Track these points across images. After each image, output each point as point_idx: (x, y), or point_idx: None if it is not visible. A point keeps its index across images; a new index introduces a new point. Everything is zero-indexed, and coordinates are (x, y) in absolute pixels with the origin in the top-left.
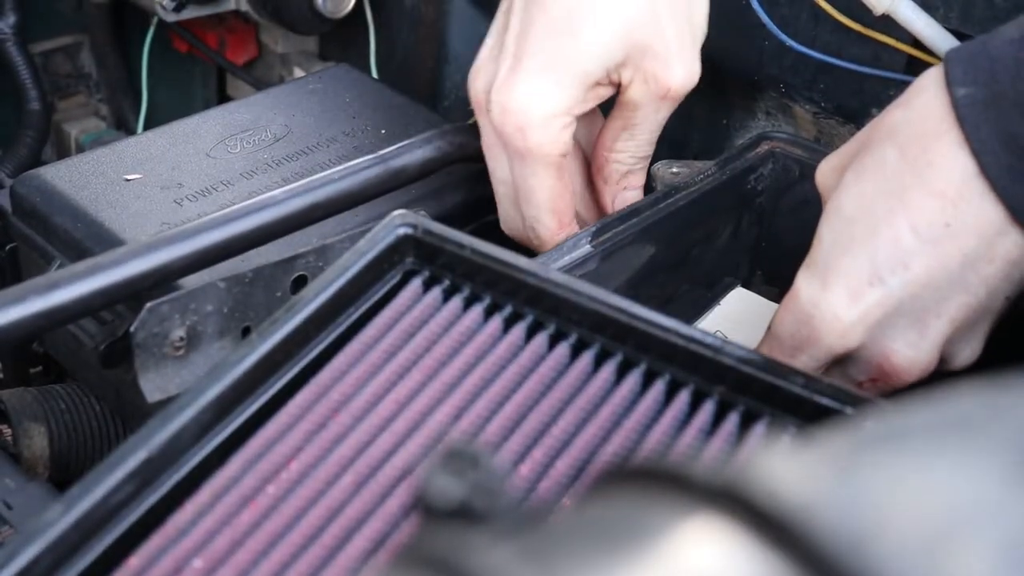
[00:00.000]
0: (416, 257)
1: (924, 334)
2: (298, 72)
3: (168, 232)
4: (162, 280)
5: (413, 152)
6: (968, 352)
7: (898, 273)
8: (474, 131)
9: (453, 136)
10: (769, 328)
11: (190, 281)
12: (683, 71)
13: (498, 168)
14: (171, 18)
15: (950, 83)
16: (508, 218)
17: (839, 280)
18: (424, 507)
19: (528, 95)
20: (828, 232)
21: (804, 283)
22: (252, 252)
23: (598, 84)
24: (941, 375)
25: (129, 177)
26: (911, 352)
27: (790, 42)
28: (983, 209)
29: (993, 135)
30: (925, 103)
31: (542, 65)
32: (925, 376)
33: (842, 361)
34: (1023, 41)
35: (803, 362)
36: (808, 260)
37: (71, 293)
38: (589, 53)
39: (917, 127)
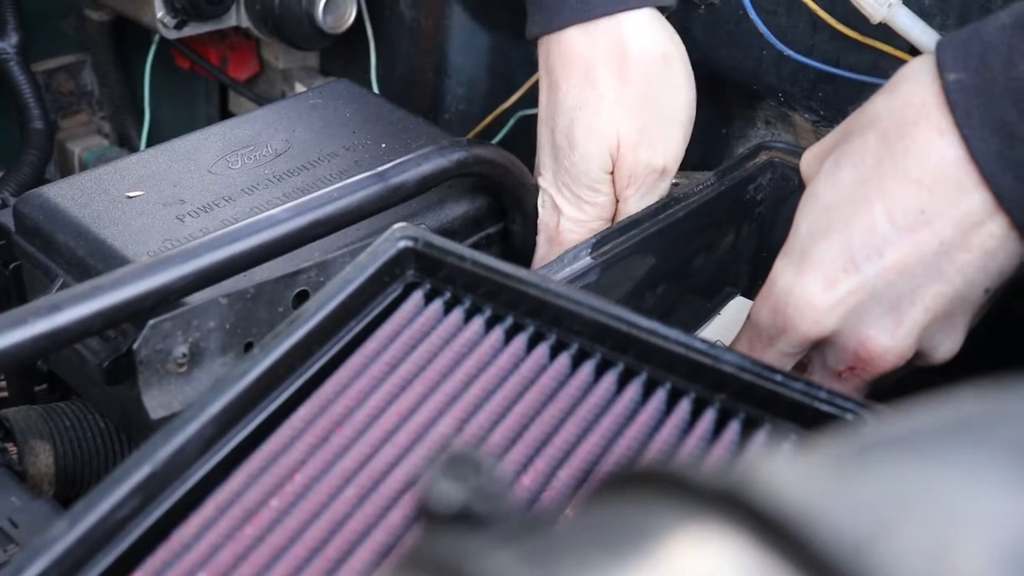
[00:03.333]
0: (417, 270)
1: (900, 322)
2: (300, 87)
3: (169, 252)
4: (163, 301)
5: (411, 169)
6: (948, 344)
7: (873, 260)
8: (471, 146)
9: (451, 152)
10: (748, 317)
11: (192, 298)
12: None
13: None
14: (173, 35)
15: (941, 68)
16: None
17: (814, 267)
18: (426, 512)
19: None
20: (804, 220)
21: (780, 271)
22: (254, 269)
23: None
24: (940, 376)
25: (131, 194)
26: (887, 340)
27: (788, 51)
28: (960, 197)
29: (983, 121)
30: (908, 90)
31: None
32: (901, 365)
33: (820, 349)
34: (1015, 28)
35: (781, 350)
36: (784, 248)
37: (73, 315)
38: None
39: (898, 114)
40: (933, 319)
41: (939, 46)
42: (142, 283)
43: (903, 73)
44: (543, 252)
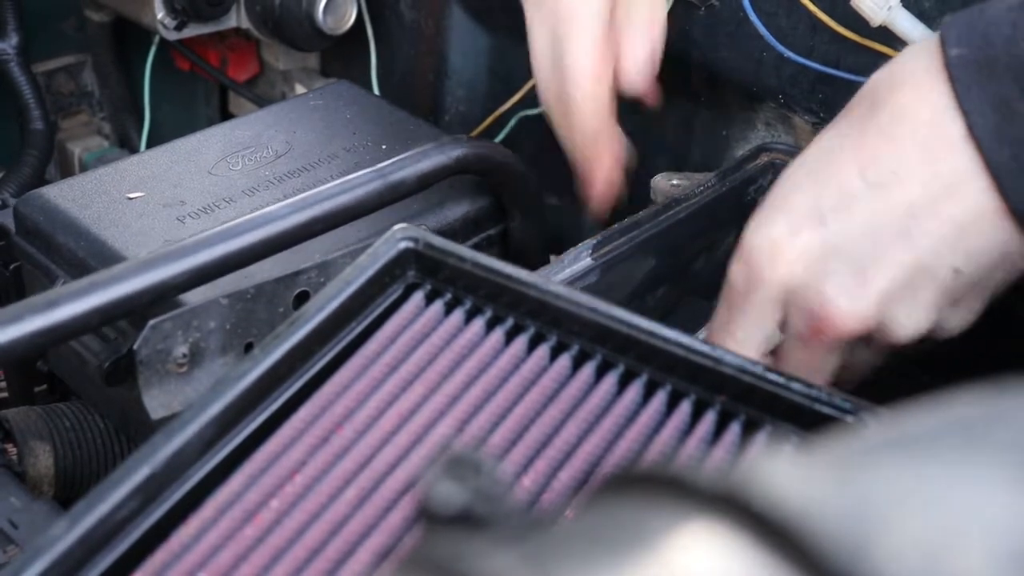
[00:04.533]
0: (418, 271)
1: (862, 284)
2: (300, 89)
3: (167, 248)
4: (161, 297)
5: (411, 165)
6: (909, 323)
7: (840, 217)
8: (471, 143)
9: (451, 149)
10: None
11: (192, 298)
12: None
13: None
14: (172, 36)
15: (944, 44)
16: (544, 86)
17: (782, 215)
18: (426, 513)
19: None
20: (783, 178)
21: (751, 226)
22: (254, 267)
23: None
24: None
25: (132, 195)
26: (847, 302)
27: (788, 53)
28: (936, 159)
29: (983, 96)
30: (907, 64)
31: None
32: (862, 334)
33: (789, 314)
34: (1021, 8)
35: (756, 307)
36: (759, 207)
37: (70, 311)
38: None
39: (890, 82)
40: (895, 287)
41: (944, 25)
42: (140, 279)
43: (905, 51)
44: None
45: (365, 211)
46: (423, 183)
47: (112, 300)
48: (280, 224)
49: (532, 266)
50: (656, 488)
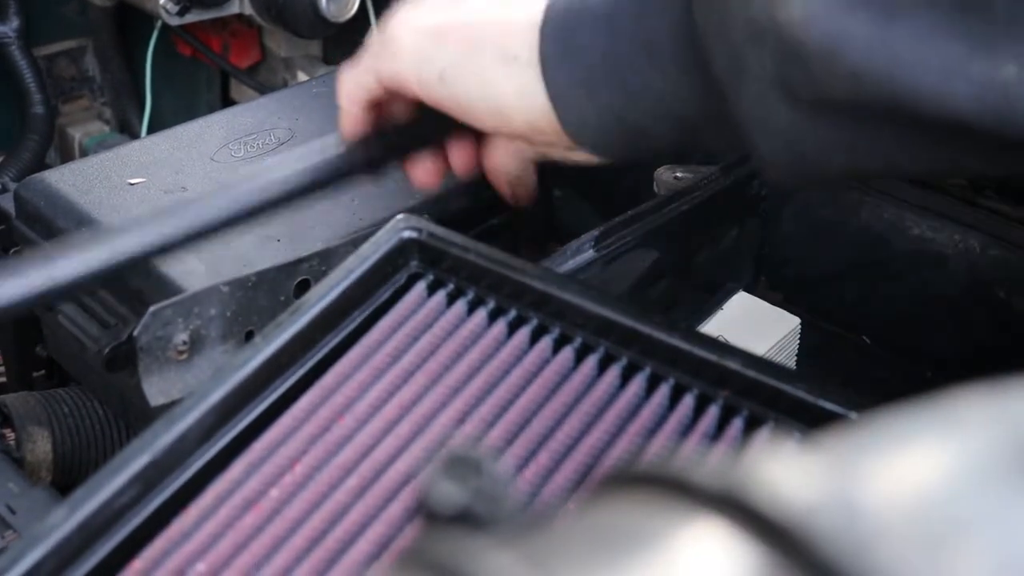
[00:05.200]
0: (420, 260)
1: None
2: (301, 76)
3: (171, 204)
4: (164, 251)
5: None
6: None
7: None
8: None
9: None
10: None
11: (193, 285)
12: None
13: None
14: (175, 22)
15: None
16: None
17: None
18: (426, 513)
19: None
20: None
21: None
22: (255, 257)
23: None
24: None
25: (133, 181)
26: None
27: None
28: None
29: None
30: None
31: None
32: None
33: None
34: None
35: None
36: None
37: (72, 267)
38: None
39: None
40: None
41: None
42: (144, 234)
43: None
44: None
45: (371, 168)
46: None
47: (115, 256)
48: (283, 176)
49: (542, 235)
50: (657, 488)
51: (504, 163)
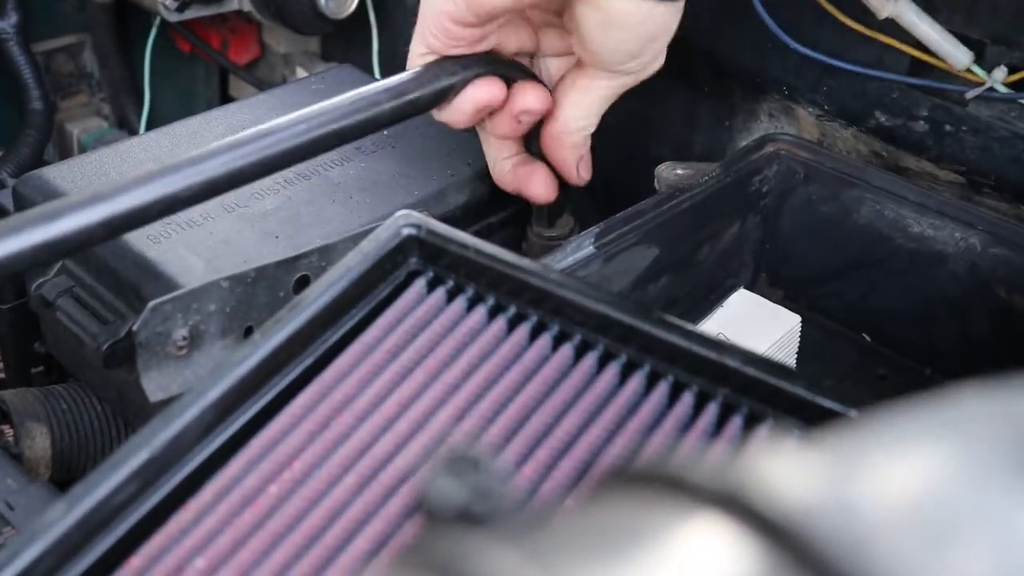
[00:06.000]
0: (420, 257)
1: None
2: (301, 72)
3: (175, 161)
4: (168, 209)
5: (428, 84)
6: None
7: None
8: (488, 60)
9: (467, 64)
10: None
11: (192, 281)
12: None
13: None
14: (174, 18)
15: None
16: None
17: None
18: (425, 511)
19: None
20: None
21: None
22: (255, 253)
23: None
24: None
25: None
26: None
27: (794, 44)
28: None
29: None
30: None
31: None
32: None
33: None
34: None
35: None
36: None
37: (73, 223)
38: None
39: None
40: None
41: None
42: (149, 190)
43: None
44: None
45: (379, 127)
46: (438, 99)
47: (118, 212)
48: (293, 139)
49: (557, 214)
50: (656, 486)
51: (578, 108)
